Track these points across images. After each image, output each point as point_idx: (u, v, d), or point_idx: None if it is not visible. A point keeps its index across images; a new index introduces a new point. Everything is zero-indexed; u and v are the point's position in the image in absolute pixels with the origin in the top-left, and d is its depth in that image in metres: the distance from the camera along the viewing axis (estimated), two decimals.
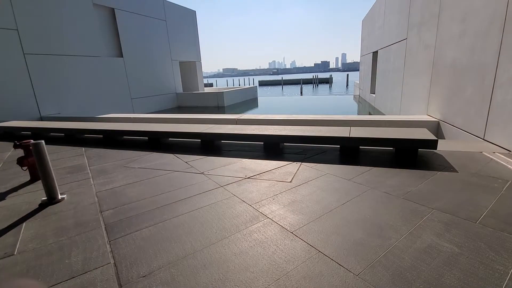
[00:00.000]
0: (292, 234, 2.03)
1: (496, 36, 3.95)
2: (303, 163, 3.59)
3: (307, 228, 2.11)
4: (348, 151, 3.91)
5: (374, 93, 13.93)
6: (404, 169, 3.21)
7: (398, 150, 3.67)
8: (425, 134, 3.59)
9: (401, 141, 3.50)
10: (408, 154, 3.58)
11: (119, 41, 13.43)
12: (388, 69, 10.61)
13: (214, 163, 3.82)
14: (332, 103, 18.65)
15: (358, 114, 14.23)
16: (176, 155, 4.30)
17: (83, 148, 5.10)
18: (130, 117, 8.33)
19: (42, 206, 2.81)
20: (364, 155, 3.82)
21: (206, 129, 4.78)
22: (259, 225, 2.19)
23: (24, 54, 9.45)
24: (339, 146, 4.03)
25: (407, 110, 8.17)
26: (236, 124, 7.02)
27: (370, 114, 12.98)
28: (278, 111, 16.43)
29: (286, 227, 2.14)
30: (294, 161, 3.71)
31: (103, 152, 4.78)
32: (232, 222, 2.26)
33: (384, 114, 11.24)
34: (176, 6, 17.54)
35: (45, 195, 2.87)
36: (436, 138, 3.37)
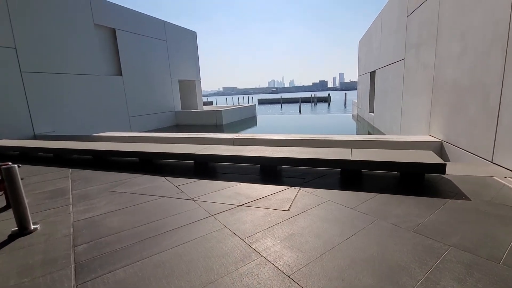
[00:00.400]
0: (290, 279, 1.74)
1: (498, 55, 3.84)
2: (301, 188, 3.33)
3: (306, 270, 1.82)
4: (350, 175, 3.67)
5: (372, 112, 13.87)
6: (411, 196, 2.95)
7: (403, 175, 3.43)
8: (432, 158, 3.37)
9: (406, 165, 3.27)
10: (414, 179, 3.34)
11: (119, 60, 13.52)
12: (387, 89, 10.59)
13: (206, 187, 3.56)
14: (331, 122, 18.63)
15: (357, 133, 14.10)
16: (167, 178, 4.04)
17: (70, 170, 4.84)
18: (125, 136, 8.13)
19: (12, 237, 2.52)
20: (366, 179, 3.57)
21: (201, 149, 4.56)
22: (251, 265, 1.90)
23: (21, 72, 9.40)
24: (340, 169, 3.79)
25: (408, 129, 8.01)
26: (233, 143, 6.81)
27: (369, 133, 12.84)
28: (276, 129, 16.34)
29: (282, 268, 1.85)
30: (292, 185, 3.45)
31: (90, 174, 4.51)
32: (220, 261, 1.97)
33: (383, 133, 11.09)
34: (177, 27, 17.91)
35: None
36: (444, 162, 3.14)
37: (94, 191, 3.67)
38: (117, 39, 13.34)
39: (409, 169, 3.28)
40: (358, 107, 19.63)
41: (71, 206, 3.22)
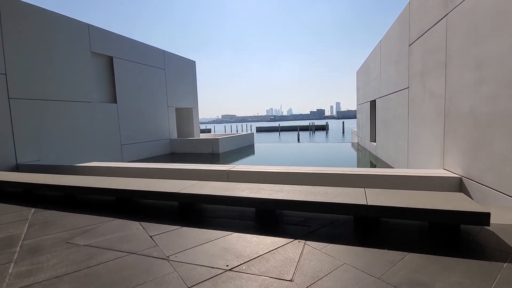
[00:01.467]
0: None
1: None
2: (307, 242, 2.64)
3: None
4: (366, 223, 2.99)
5: (374, 142, 13.40)
6: (451, 258, 2.26)
7: (433, 225, 2.76)
8: (467, 203, 2.73)
9: (437, 213, 2.61)
10: (448, 231, 2.67)
11: (114, 87, 13.27)
12: (389, 118, 10.19)
13: (188, 238, 2.85)
14: (331, 151, 18.10)
15: (359, 162, 13.50)
16: (143, 223, 3.33)
17: (33, 210, 4.12)
18: (111, 167, 7.47)
19: None
20: (386, 229, 2.89)
21: (187, 187, 3.90)
22: None
23: (9, 98, 8.97)
24: (352, 215, 3.12)
25: (417, 162, 7.42)
26: (228, 177, 6.17)
27: (372, 163, 12.23)
28: (275, 158, 15.73)
29: None
30: (295, 237, 2.76)
31: (54, 216, 3.80)
32: None
33: (387, 163, 10.50)
34: (176, 56, 18.05)
35: None
36: (487, 211, 2.50)
37: (49, 242, 2.95)
38: (114, 67, 13.20)
39: (441, 218, 2.62)
40: (358, 136, 19.25)
41: (12, 265, 2.50)
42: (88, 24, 11.89)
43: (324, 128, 74.37)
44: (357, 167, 11.91)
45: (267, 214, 3.35)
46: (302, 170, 5.67)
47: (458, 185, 5.02)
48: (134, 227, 3.23)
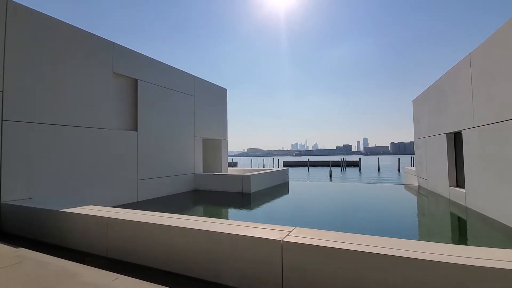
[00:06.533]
0: None
1: None
2: None
3: None
4: None
5: (462, 187, 9.99)
6: None
7: None
8: None
9: None
10: None
11: (136, 113, 11.57)
12: (503, 155, 7.03)
13: None
14: (381, 194, 14.45)
15: (434, 216, 9.95)
16: None
17: None
18: (103, 217, 5.06)
19: None
20: None
21: None
22: None
23: (2, 120, 7.28)
24: None
25: None
26: (282, 249, 3.44)
27: (460, 219, 8.70)
28: (311, 199, 12.60)
29: None
30: None
31: None
32: None
33: (496, 221, 7.08)
34: (207, 83, 16.57)
35: None
36: None
37: None
38: (138, 90, 11.64)
39: None
40: (419, 177, 15.65)
41: None
42: (113, 43, 10.60)
43: (356, 164, 69.55)
44: (436, 223, 8.45)
45: None
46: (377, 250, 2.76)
47: None
48: None
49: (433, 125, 12.84)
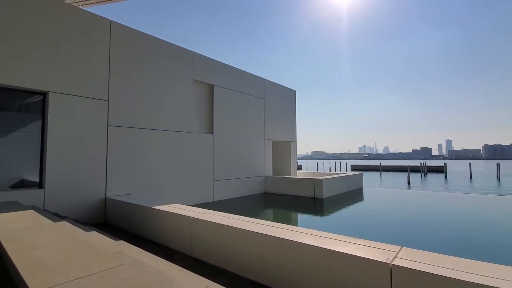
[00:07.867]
0: None
1: None
2: None
3: None
4: None
5: None
6: None
7: None
8: None
9: None
10: None
11: (212, 117, 12.14)
12: None
13: None
14: (494, 209, 11.63)
15: None
16: None
17: None
18: (189, 217, 5.20)
19: None
20: None
21: None
22: None
23: (108, 125, 8.42)
24: None
25: None
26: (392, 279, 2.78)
27: None
28: (395, 209, 10.93)
29: None
30: None
31: None
32: None
33: None
34: (277, 85, 16.46)
35: None
36: None
37: None
38: (214, 95, 12.20)
39: None
40: None
41: None
42: (193, 52, 11.36)
43: (440, 170, 60.08)
44: None
45: None
46: None
47: None
48: None
49: None
